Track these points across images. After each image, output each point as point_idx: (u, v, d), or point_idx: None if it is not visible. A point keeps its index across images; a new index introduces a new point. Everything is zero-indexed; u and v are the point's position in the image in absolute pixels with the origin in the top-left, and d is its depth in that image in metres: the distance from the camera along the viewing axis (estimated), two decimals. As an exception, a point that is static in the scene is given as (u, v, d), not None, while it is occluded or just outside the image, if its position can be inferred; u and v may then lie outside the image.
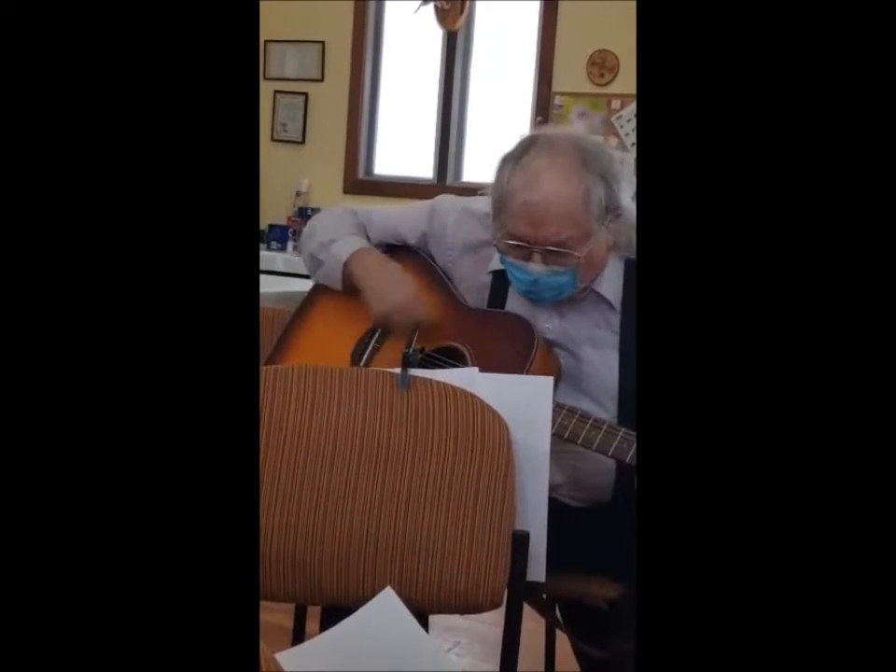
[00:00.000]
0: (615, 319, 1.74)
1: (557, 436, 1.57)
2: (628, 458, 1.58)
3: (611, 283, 1.75)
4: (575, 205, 1.64)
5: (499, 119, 5.16)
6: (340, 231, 1.89)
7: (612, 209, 1.67)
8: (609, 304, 1.74)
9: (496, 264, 1.79)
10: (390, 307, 1.78)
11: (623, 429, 1.60)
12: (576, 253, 1.65)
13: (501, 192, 1.68)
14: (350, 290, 1.84)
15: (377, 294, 1.79)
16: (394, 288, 1.79)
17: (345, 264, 1.83)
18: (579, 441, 1.61)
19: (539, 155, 1.67)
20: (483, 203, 1.81)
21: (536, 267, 1.67)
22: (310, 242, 1.92)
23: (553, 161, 1.65)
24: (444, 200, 1.91)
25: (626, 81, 4.71)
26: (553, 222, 1.64)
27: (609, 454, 1.60)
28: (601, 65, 4.83)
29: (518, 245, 1.67)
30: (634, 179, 1.72)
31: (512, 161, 1.68)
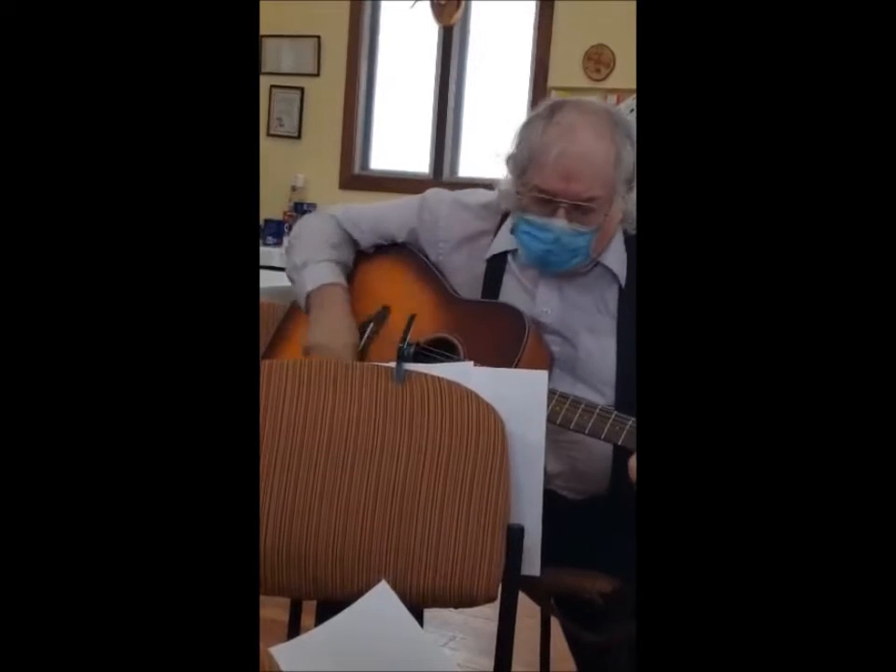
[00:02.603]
0: (615, 298, 1.75)
1: (550, 422, 1.57)
2: (620, 441, 1.59)
3: (617, 257, 1.76)
4: (607, 164, 1.66)
5: (496, 114, 5.15)
6: (315, 251, 1.87)
7: (633, 178, 1.68)
8: (614, 275, 1.75)
9: (494, 249, 1.80)
10: (317, 348, 1.77)
11: (616, 413, 1.60)
12: (603, 212, 1.66)
13: (532, 145, 1.69)
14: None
15: (315, 331, 1.79)
16: (331, 335, 1.78)
17: (308, 296, 1.84)
18: (571, 426, 1.61)
19: (570, 112, 1.69)
20: (475, 196, 1.83)
21: (559, 223, 1.67)
22: (289, 258, 1.92)
23: (586, 119, 1.67)
24: (435, 192, 1.91)
25: (622, 76, 4.70)
26: (586, 177, 1.65)
27: (602, 437, 1.61)
28: (597, 60, 4.83)
29: (543, 200, 1.68)
30: None
31: (544, 118, 1.70)
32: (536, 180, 1.68)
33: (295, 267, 1.88)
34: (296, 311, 1.92)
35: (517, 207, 1.72)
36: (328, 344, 1.76)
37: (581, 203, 1.66)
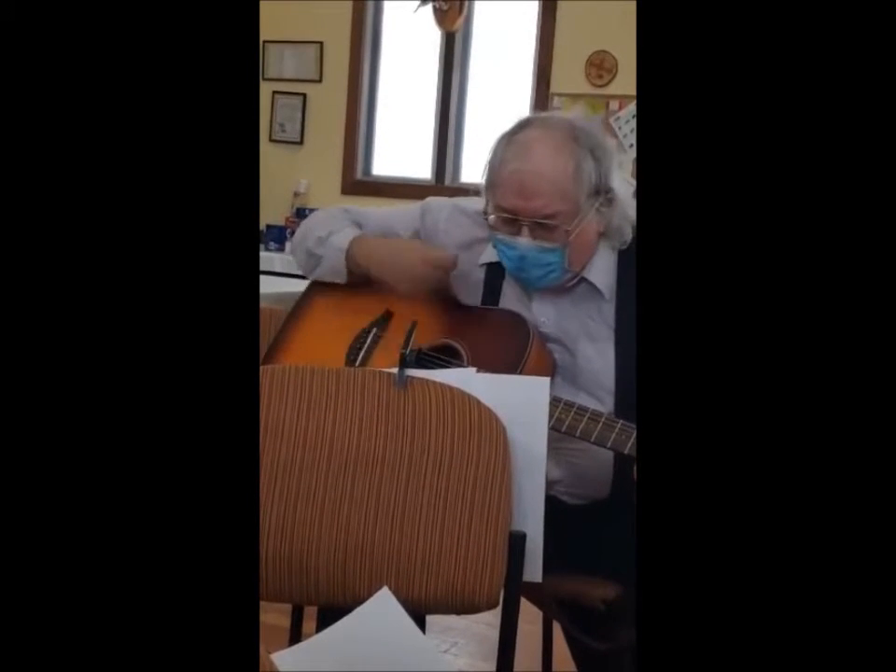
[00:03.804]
0: (608, 310, 1.74)
1: (555, 430, 1.57)
2: (627, 449, 1.59)
3: (602, 272, 1.75)
4: (565, 178, 1.66)
5: (498, 120, 5.16)
6: (336, 225, 1.89)
7: (603, 190, 1.68)
8: (601, 294, 1.74)
9: (488, 256, 1.80)
10: (416, 270, 1.77)
11: (622, 421, 1.60)
12: (565, 227, 1.66)
13: (493, 165, 1.72)
14: (356, 278, 1.84)
15: (393, 265, 1.80)
16: (407, 255, 1.80)
17: (347, 252, 1.83)
18: (577, 434, 1.61)
19: (532, 129, 1.71)
20: (473, 202, 1.83)
21: (523, 241, 1.68)
22: (306, 240, 1.91)
23: (546, 134, 1.69)
24: (434, 200, 1.92)
25: (625, 82, 4.71)
26: (543, 193, 1.65)
27: (608, 445, 1.60)
28: (599, 66, 4.83)
29: (508, 219, 1.69)
30: (629, 173, 1.74)
31: (507, 137, 1.72)
32: (497, 199, 1.70)
33: (320, 240, 1.87)
34: (296, 315, 1.92)
35: (489, 226, 1.74)
36: (423, 261, 1.77)
37: (541, 220, 1.66)
